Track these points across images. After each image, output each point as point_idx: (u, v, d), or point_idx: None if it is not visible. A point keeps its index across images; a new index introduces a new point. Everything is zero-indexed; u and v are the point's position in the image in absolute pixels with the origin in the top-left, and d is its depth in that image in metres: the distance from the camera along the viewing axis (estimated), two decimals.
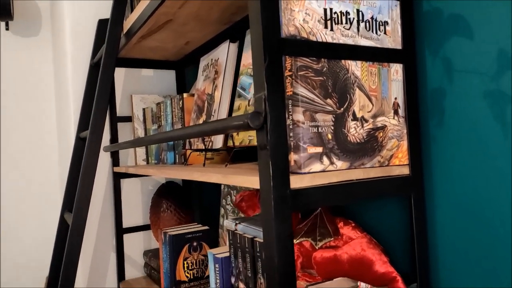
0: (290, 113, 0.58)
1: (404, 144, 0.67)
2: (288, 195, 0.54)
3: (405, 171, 0.67)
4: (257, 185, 0.57)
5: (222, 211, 1.34)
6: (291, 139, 0.58)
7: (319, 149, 0.59)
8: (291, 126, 0.58)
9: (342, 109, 0.61)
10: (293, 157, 0.58)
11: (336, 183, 0.59)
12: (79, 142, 1.38)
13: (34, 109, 2.00)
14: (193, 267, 1.28)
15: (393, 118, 0.66)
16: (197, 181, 1.65)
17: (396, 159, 0.66)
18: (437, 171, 0.68)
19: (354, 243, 0.66)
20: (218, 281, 0.98)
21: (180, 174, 0.85)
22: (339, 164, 0.60)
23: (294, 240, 0.72)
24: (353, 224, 0.69)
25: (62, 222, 1.35)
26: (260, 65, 0.54)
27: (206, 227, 1.33)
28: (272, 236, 0.53)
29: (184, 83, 1.70)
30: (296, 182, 0.56)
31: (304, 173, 0.58)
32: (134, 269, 1.57)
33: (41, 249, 2.18)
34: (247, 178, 0.60)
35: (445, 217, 0.67)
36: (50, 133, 2.06)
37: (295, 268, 0.63)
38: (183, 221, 1.44)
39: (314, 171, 0.58)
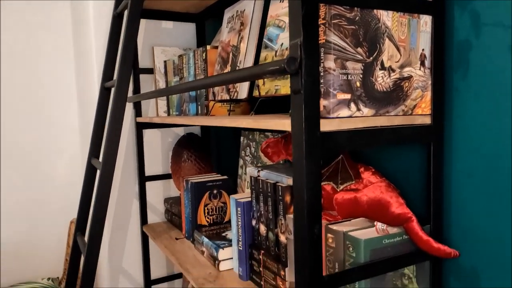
0: (322, 61, 0.61)
1: (428, 94, 0.70)
2: (318, 137, 0.59)
3: (427, 120, 0.70)
4: (289, 128, 0.61)
5: (241, 162, 1.40)
6: (321, 85, 0.62)
7: (348, 96, 0.62)
8: (322, 73, 0.62)
9: (371, 58, 0.64)
10: (323, 102, 0.62)
11: (362, 128, 0.63)
12: (104, 92, 1.42)
13: (52, 65, 2.04)
14: (213, 213, 1.36)
15: (419, 69, 0.68)
16: (216, 133, 1.70)
17: (419, 109, 0.69)
18: (458, 122, 0.71)
19: (373, 186, 0.71)
20: (240, 223, 1.05)
21: (208, 121, 0.89)
22: (366, 111, 0.64)
23: None
24: (373, 170, 0.74)
25: (90, 168, 1.43)
26: (297, 12, 0.56)
27: (225, 177, 1.40)
28: (302, 175, 0.58)
29: (204, 37, 1.71)
30: (326, 125, 0.60)
31: (333, 117, 0.61)
32: (155, 216, 1.66)
33: (65, 194, 2.29)
34: (279, 122, 0.64)
35: (462, 166, 0.71)
36: (69, 85, 2.11)
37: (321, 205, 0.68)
38: (202, 171, 1.51)
39: (342, 116, 0.62)
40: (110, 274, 1.59)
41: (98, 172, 1.23)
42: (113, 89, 1.27)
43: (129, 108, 1.56)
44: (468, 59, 0.69)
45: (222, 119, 0.84)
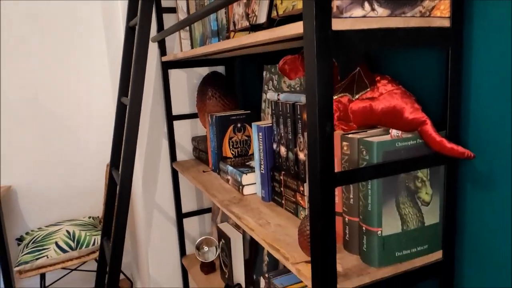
0: None
1: None
2: (329, 36, 0.59)
3: (446, 23, 0.68)
4: (301, 30, 0.62)
5: (264, 96, 1.42)
6: None
7: None
8: None
9: None
10: (335, 3, 0.62)
11: (376, 28, 0.63)
12: (129, 31, 1.45)
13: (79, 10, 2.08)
14: (237, 146, 1.40)
15: None
16: (240, 70, 1.71)
17: (438, 10, 0.68)
18: (478, 26, 0.69)
19: (388, 94, 0.72)
20: (261, 148, 1.08)
21: (227, 44, 0.91)
22: (380, 11, 0.63)
23: (333, 96, 0.79)
24: (389, 78, 0.74)
25: (120, 106, 1.49)
26: None
27: (249, 111, 1.43)
28: (314, 74, 0.59)
29: None
30: (338, 25, 0.60)
31: (346, 17, 0.61)
32: (184, 154, 1.73)
33: (101, 139, 2.42)
34: (291, 26, 0.65)
35: (481, 73, 0.69)
36: (98, 27, 2.16)
37: (333, 111, 0.70)
38: (227, 107, 1.54)
39: (355, 16, 0.62)
40: (145, 208, 1.70)
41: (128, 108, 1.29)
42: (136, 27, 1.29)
43: (154, 48, 1.59)
44: None
45: (240, 39, 0.85)
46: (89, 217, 2.26)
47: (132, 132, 1.26)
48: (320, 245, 0.64)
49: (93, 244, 2.00)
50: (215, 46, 0.99)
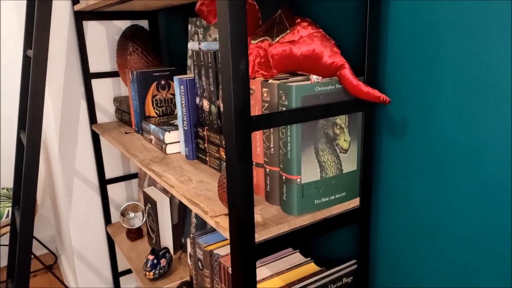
0: None
1: None
2: None
3: None
4: None
5: (189, 52, 1.34)
6: None
7: None
8: None
9: None
10: None
11: None
12: None
13: None
14: (162, 105, 1.32)
15: None
16: (164, 25, 1.60)
17: None
18: None
19: (308, 37, 0.68)
20: (183, 102, 1.02)
21: None
22: None
23: (253, 41, 0.74)
24: (309, 21, 0.71)
25: (25, 60, 1.33)
26: None
27: (173, 68, 1.34)
28: (225, 5, 0.54)
29: None
30: None
31: None
32: (105, 116, 1.61)
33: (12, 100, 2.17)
34: None
35: (398, 18, 0.69)
36: None
37: (250, 64, 0.65)
38: (150, 64, 1.44)
39: None
40: (64, 176, 1.56)
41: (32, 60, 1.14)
42: None
43: None
44: None
45: None
46: (3, 188, 2.05)
47: (38, 87, 1.13)
48: (237, 194, 0.60)
49: (8, 216, 1.82)
50: None
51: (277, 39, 0.70)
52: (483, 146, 0.60)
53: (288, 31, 0.69)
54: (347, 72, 0.66)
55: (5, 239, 2.26)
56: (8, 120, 2.18)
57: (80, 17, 1.41)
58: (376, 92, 0.65)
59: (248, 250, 0.64)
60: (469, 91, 0.61)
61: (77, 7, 1.35)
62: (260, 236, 0.67)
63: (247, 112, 0.59)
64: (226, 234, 0.68)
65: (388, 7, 0.70)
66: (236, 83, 0.56)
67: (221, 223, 0.70)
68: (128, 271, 1.80)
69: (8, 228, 1.83)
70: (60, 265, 2.24)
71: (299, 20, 0.71)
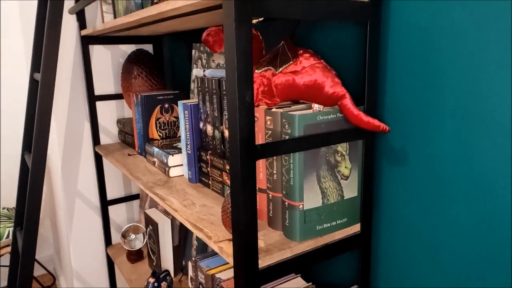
0: None
1: None
2: (248, 1, 0.57)
3: None
4: None
5: (193, 76, 1.37)
6: None
7: None
8: None
9: None
10: None
11: None
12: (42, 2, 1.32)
13: None
14: (165, 127, 1.34)
15: None
16: (168, 49, 1.64)
17: None
18: (396, 1, 0.71)
19: (310, 67, 0.71)
20: (187, 126, 1.04)
21: (147, 12, 0.85)
22: None
23: (257, 70, 0.77)
24: (311, 52, 0.74)
25: (32, 83, 1.35)
26: None
27: (177, 91, 1.37)
28: (232, 39, 0.56)
29: None
30: None
31: None
32: (109, 138, 1.62)
33: (16, 122, 2.19)
34: None
35: (398, 46, 0.72)
36: None
37: (254, 92, 0.68)
38: (154, 88, 1.47)
39: None
40: (65, 197, 1.57)
41: (40, 83, 1.16)
42: None
43: (73, 21, 1.46)
44: None
45: (159, 6, 0.79)
46: (4, 208, 2.05)
47: (45, 110, 1.15)
48: (241, 220, 0.62)
49: (8, 236, 1.82)
50: (136, 15, 0.92)
51: (280, 69, 0.73)
52: (483, 172, 0.62)
53: (291, 61, 0.72)
54: (348, 102, 0.68)
55: (5, 260, 2.24)
56: (9, 140, 2.20)
57: (86, 41, 1.45)
58: (376, 122, 0.67)
59: (252, 276, 0.65)
60: (468, 121, 0.63)
61: (84, 32, 1.39)
62: (263, 262, 0.68)
63: (252, 141, 0.61)
64: (230, 260, 0.69)
65: (388, 38, 0.73)
66: (242, 113, 0.58)
67: (225, 249, 0.71)
68: None
69: (8, 249, 1.83)
70: (59, 286, 2.22)
71: (301, 51, 0.73)
